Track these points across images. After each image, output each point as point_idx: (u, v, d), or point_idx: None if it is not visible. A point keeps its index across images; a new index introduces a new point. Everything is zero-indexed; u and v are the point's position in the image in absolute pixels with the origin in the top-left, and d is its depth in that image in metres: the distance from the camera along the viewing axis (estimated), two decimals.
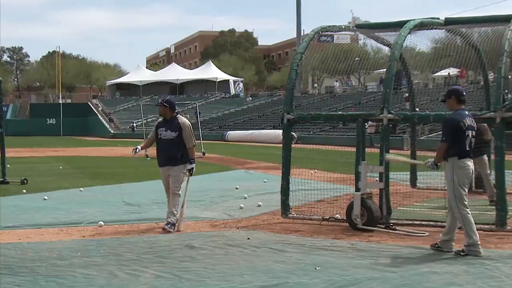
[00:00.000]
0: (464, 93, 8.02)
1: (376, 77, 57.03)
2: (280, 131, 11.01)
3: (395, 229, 9.10)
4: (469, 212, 7.61)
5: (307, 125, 48.30)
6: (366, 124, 10.17)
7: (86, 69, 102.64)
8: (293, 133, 10.48)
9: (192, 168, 9.37)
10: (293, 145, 10.52)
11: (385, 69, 9.78)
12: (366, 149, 9.76)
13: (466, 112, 7.87)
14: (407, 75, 13.31)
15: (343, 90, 65.96)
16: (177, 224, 9.31)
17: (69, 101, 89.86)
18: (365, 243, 8.36)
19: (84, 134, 74.33)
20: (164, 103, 9.42)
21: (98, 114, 77.19)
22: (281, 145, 10.85)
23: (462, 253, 7.47)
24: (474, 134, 7.81)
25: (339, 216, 10.07)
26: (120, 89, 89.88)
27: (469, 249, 7.48)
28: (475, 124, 7.90)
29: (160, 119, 9.58)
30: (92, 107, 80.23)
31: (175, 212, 9.31)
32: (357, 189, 9.49)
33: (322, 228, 9.63)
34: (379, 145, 9.54)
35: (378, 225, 9.24)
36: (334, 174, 15.57)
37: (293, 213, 10.44)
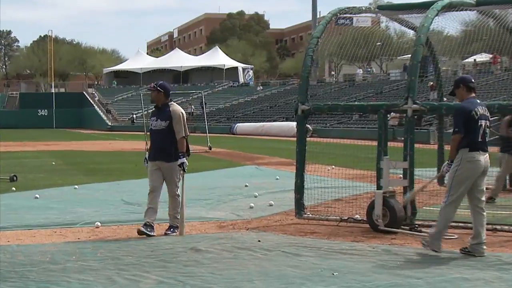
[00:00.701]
0: (473, 80, 8.10)
1: (399, 64, 56.79)
2: (294, 123, 11.03)
3: (420, 231, 9.08)
4: (455, 211, 7.84)
5: (323, 116, 48.19)
6: (388, 115, 10.14)
7: (81, 55, 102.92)
8: (308, 126, 10.46)
9: (183, 163, 9.02)
10: (308, 139, 10.53)
11: (409, 55, 9.74)
12: (389, 143, 9.75)
13: (478, 101, 7.93)
14: (434, 62, 13.25)
15: (363, 78, 65.76)
16: (178, 230, 9.22)
17: (62, 90, 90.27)
18: (387, 246, 8.36)
19: (78, 127, 74.68)
20: (158, 87, 9.09)
21: (94, 105, 77.48)
22: (294, 138, 10.86)
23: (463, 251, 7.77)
24: (488, 124, 7.84)
25: (358, 216, 10.08)
26: (118, 77, 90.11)
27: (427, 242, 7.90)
28: (488, 113, 7.94)
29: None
30: (88, 97, 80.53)
31: (178, 216, 9.19)
32: (379, 187, 9.50)
33: (340, 229, 9.64)
34: (403, 138, 9.51)
35: (402, 227, 9.24)
36: (353, 171, 15.54)
37: (308, 213, 10.47)
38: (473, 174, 7.71)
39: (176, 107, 9.11)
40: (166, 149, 9.01)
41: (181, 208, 9.21)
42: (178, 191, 9.19)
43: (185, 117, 9.10)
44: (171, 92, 9.32)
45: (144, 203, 12.12)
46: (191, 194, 13.39)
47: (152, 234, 8.92)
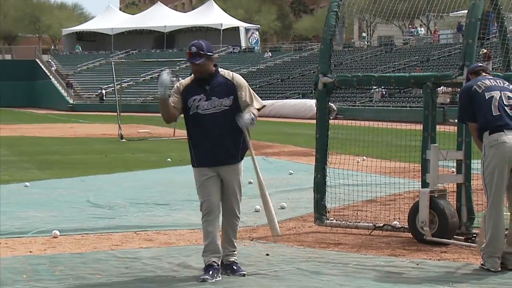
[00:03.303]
0: (480, 64, 8.69)
1: (452, 23, 56.61)
2: (313, 102, 11.00)
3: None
4: (501, 215, 7.85)
5: (351, 92, 48.17)
6: (437, 90, 10.11)
7: (33, 12, 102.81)
8: (332, 104, 10.42)
9: (253, 119, 7.73)
10: (331, 121, 10.48)
11: (466, 11, 9.69)
12: (438, 127, 9.70)
13: (489, 76, 8.29)
14: (499, 19, 13.18)
15: (404, 42, 65.57)
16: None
17: (8, 57, 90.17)
18: (435, 262, 8.33)
19: (29, 106, 74.78)
20: (207, 52, 7.75)
21: (51, 77, 77.51)
22: (313, 121, 10.82)
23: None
24: (510, 95, 8.02)
25: (397, 223, 10.07)
26: (82, 40, 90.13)
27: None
28: (510, 85, 8.20)
29: (184, 80, 8.04)
30: (42, 67, 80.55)
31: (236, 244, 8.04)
32: (425, 184, 9.46)
33: (373, 240, 9.64)
34: (456, 121, 9.48)
35: (455, 236, 9.23)
36: (391, 163, 15.52)
37: (332, 218, 10.46)
38: (501, 161, 7.76)
39: (231, 72, 7.99)
40: (234, 144, 7.81)
41: (266, 202, 8.24)
42: (240, 207, 8.08)
43: None
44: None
45: (118, 206, 12.27)
46: (177, 194, 13.43)
47: (218, 278, 7.66)
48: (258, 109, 7.90)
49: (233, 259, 7.88)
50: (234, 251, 7.93)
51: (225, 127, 7.70)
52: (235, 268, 7.79)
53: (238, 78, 7.94)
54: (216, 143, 7.70)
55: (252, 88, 8.17)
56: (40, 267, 8.10)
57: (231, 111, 7.72)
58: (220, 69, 7.89)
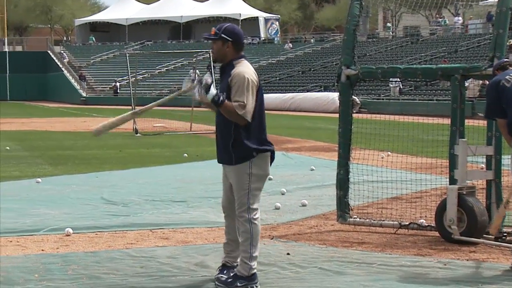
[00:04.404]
0: (506, 59, 8.74)
1: (481, 12, 56.33)
2: (335, 95, 10.99)
3: (510, 242, 9.03)
4: None
5: (376, 84, 48.03)
6: (466, 83, 10.07)
7: (44, 1, 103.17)
8: (355, 98, 10.41)
9: (215, 96, 7.28)
10: (354, 115, 10.48)
11: (496, 0, 9.64)
12: (467, 121, 9.66)
13: None
14: None
15: (431, 32, 65.32)
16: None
17: (19, 49, 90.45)
18: (464, 262, 8.32)
19: (41, 99, 75.05)
20: (222, 33, 7.54)
21: (63, 69, 77.76)
22: (336, 115, 10.79)
23: None
24: None
25: (424, 221, 10.06)
26: (95, 31, 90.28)
27: None
28: None
29: None
30: (54, 58, 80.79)
31: (248, 261, 7.44)
32: (452, 181, 9.44)
33: (399, 239, 9.63)
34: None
35: (484, 235, 9.18)
36: (417, 158, 15.37)
37: (355, 216, 10.46)
38: None
39: (242, 67, 7.52)
40: (224, 144, 7.52)
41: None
42: (250, 212, 7.43)
43: (254, 86, 7.46)
44: (242, 38, 7.76)
45: (132, 203, 12.30)
46: (194, 191, 13.45)
47: (228, 281, 7.47)
48: (237, 103, 7.25)
49: (229, 265, 7.64)
50: (237, 257, 7.57)
51: (220, 125, 7.53)
52: (222, 278, 7.49)
53: (235, 76, 7.39)
54: (217, 140, 7.62)
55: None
56: (52, 266, 8.12)
57: None
58: (239, 62, 7.56)
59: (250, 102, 7.33)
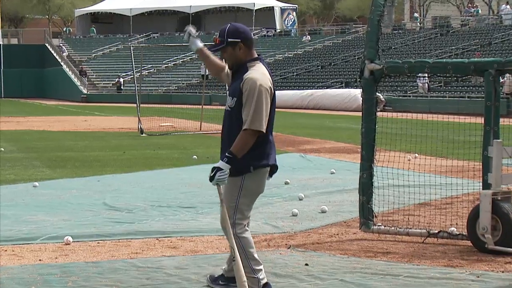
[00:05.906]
0: None
1: None
2: (358, 91, 10.90)
3: None
4: None
5: (402, 80, 48.16)
6: (501, 78, 9.94)
7: None
8: (380, 95, 10.35)
9: (217, 170, 7.24)
10: (379, 114, 10.44)
11: None
12: (501, 120, 9.62)
13: None
14: None
15: (462, 23, 65.28)
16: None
17: (14, 41, 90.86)
18: (499, 274, 8.29)
19: (39, 96, 75.55)
20: (226, 37, 7.45)
21: (62, 63, 78.24)
22: (358, 113, 10.72)
23: None
24: None
25: (455, 229, 10.01)
26: (97, 22, 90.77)
27: None
28: None
29: None
30: (52, 52, 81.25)
31: (252, 268, 7.55)
32: (486, 186, 9.39)
33: (427, 248, 9.60)
34: None
35: None
36: (447, 161, 15.44)
37: (380, 224, 10.43)
38: None
39: (256, 72, 7.39)
40: (228, 149, 7.40)
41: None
42: (235, 226, 7.44)
43: (267, 94, 7.32)
44: (252, 38, 7.75)
45: (137, 209, 12.26)
46: (204, 196, 13.40)
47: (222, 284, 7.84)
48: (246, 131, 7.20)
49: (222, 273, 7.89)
50: (224, 267, 7.87)
51: (226, 129, 7.51)
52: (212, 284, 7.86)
53: (248, 81, 7.29)
54: (221, 143, 7.61)
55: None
56: (50, 277, 8.13)
57: (233, 114, 7.39)
58: (253, 64, 7.44)
59: (263, 111, 7.24)
